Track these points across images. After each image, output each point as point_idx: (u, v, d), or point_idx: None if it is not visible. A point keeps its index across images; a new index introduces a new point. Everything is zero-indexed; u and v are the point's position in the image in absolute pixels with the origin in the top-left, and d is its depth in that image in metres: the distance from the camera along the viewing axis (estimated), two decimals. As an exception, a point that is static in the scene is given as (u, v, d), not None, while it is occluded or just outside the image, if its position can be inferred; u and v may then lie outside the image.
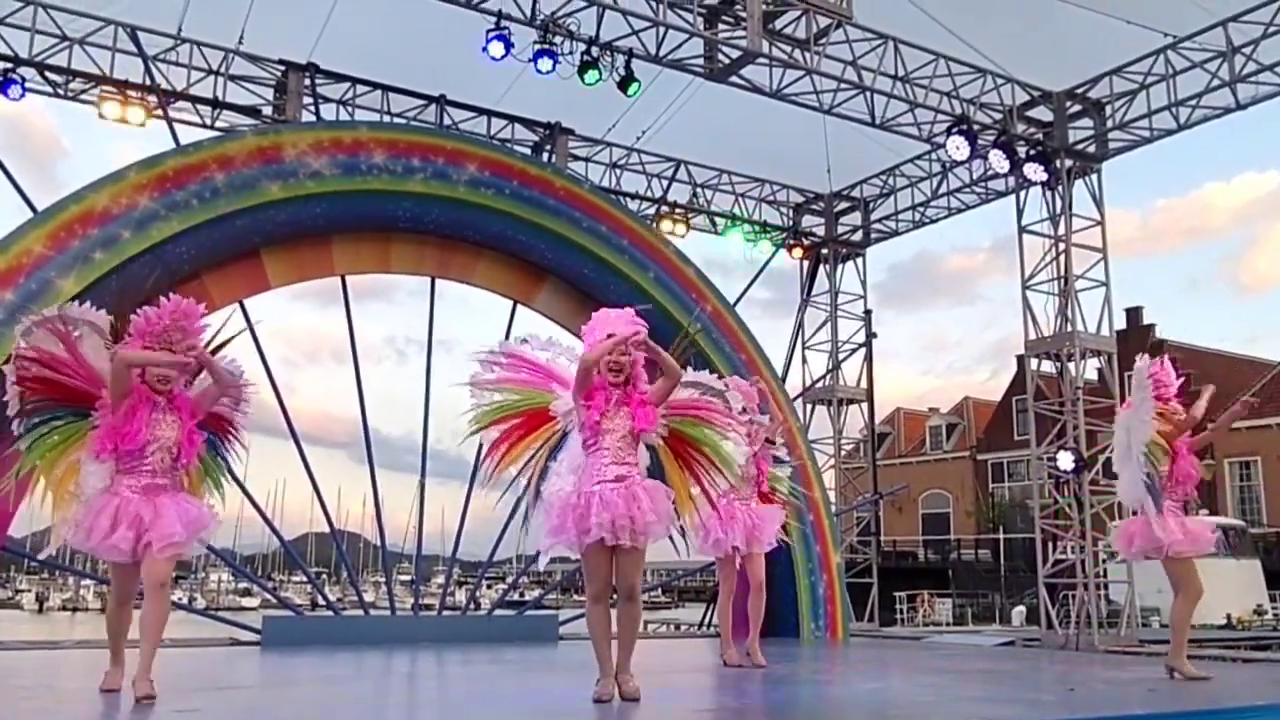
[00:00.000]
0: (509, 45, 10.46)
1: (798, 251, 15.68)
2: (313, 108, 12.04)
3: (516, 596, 23.55)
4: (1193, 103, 12.12)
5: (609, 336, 5.08)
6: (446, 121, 12.80)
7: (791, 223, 15.99)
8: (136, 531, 4.79)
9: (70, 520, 4.91)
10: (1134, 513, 6.74)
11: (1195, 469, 6.74)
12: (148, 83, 11.31)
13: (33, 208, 9.24)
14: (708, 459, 5.40)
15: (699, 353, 7.39)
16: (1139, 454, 6.54)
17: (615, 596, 5.17)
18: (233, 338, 5.62)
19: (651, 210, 14.33)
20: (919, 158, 14.85)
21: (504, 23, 10.43)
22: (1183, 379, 7.07)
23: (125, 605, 5.22)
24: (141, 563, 4.89)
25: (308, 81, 12.05)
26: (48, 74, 11.48)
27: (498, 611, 13.56)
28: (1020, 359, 17.23)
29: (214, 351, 5.37)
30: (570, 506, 4.94)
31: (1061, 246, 12.86)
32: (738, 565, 7.41)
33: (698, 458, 5.37)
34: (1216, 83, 11.72)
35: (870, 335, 16.34)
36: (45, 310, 5.23)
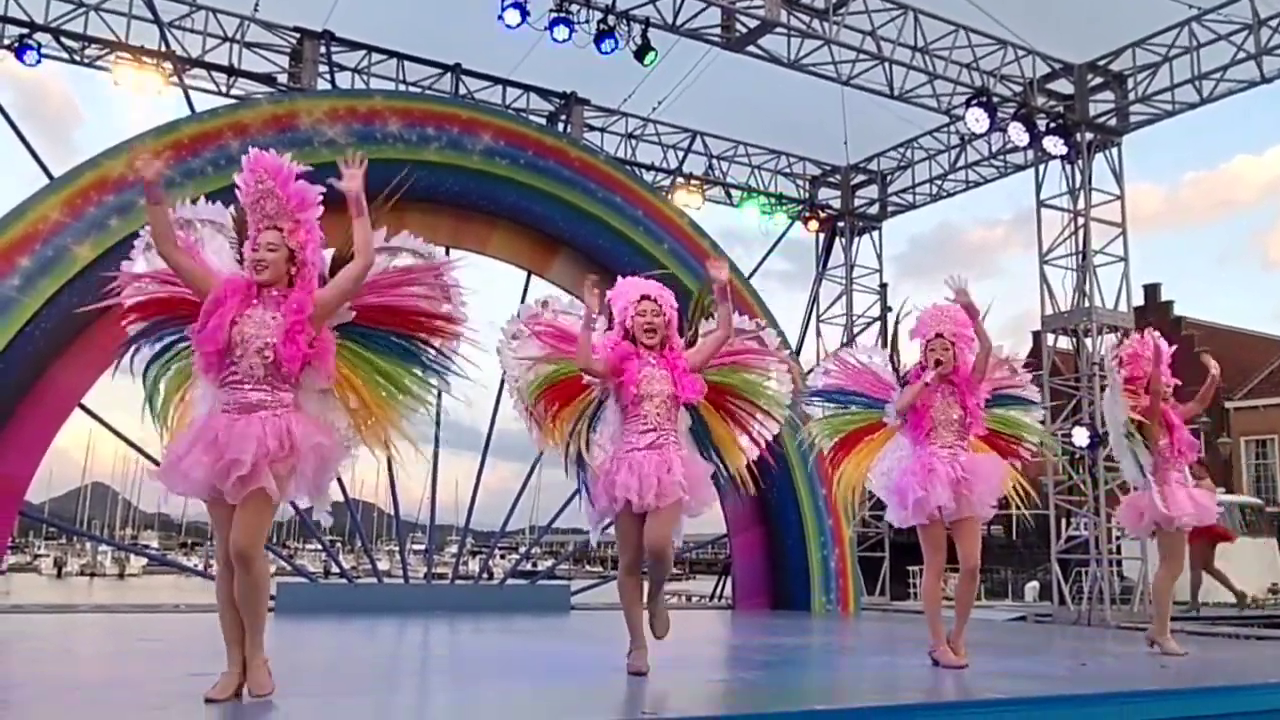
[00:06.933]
0: (525, 13, 10.38)
1: (814, 224, 15.59)
2: (328, 76, 12.00)
3: (529, 566, 23.71)
4: (1216, 75, 11.95)
5: (641, 298, 5.06)
6: (462, 91, 12.74)
7: (808, 195, 15.89)
8: (214, 457, 3.75)
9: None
10: (1134, 488, 6.75)
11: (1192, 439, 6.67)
12: (163, 49, 11.29)
13: (49, 174, 9.27)
14: (750, 403, 5.38)
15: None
16: (1120, 435, 6.63)
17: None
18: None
19: (667, 181, 14.26)
20: (937, 130, 14.69)
21: (520, -10, 10.34)
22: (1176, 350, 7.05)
23: (228, 572, 3.91)
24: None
25: (323, 49, 12.00)
26: (64, 39, 11.46)
27: (510, 581, 13.64)
28: (1036, 334, 17.13)
29: None
30: (604, 474, 4.93)
31: (1080, 221, 12.74)
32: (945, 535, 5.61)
33: (740, 404, 5.35)
34: (1241, 55, 11.54)
35: (885, 309, 16.25)
36: None
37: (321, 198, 4.11)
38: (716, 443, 5.28)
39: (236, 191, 4.12)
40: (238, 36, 11.96)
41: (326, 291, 4.04)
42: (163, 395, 4.17)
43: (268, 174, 4.01)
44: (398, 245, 4.34)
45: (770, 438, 5.46)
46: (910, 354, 5.98)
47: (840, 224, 16.04)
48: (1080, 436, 12.15)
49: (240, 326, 3.86)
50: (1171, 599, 6.74)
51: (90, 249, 8.17)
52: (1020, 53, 12.40)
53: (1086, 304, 12.60)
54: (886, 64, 11.79)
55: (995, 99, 11.98)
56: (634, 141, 14.45)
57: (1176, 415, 6.64)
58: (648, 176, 13.66)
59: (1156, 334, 6.84)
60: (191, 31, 11.75)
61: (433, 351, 4.30)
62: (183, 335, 4.10)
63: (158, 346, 4.15)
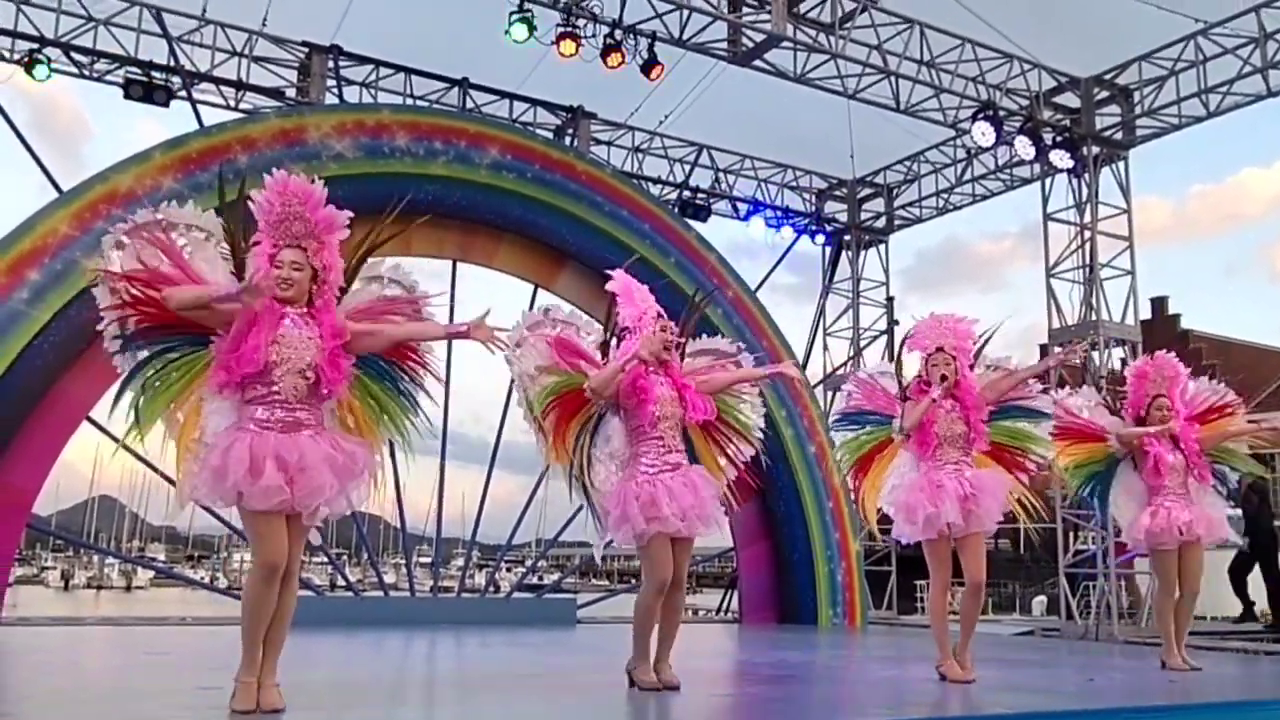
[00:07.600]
0: (532, 28, 10.43)
1: (820, 238, 15.60)
2: (336, 90, 12.05)
3: (535, 580, 23.66)
4: (1223, 89, 11.94)
5: (659, 317, 5.08)
6: (469, 105, 12.78)
7: (814, 209, 15.91)
8: (287, 473, 3.81)
9: (194, 471, 3.93)
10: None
11: (1186, 456, 6.55)
12: (172, 64, 11.36)
13: (58, 188, 9.31)
14: (729, 425, 5.40)
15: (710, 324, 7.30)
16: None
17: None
18: (382, 241, 4.50)
19: (673, 195, 14.29)
20: (944, 144, 14.71)
21: (527, 5, 10.39)
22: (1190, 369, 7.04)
23: (274, 582, 3.91)
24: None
25: (331, 64, 12.05)
26: (73, 54, 11.52)
27: (516, 594, 13.63)
28: (1043, 348, 17.11)
29: (365, 254, 4.41)
30: (633, 496, 4.83)
31: (1087, 234, 12.73)
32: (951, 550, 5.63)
33: (719, 425, 5.36)
34: (1248, 69, 11.54)
35: (892, 323, 16.25)
36: (140, 215, 4.21)
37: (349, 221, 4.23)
38: (700, 461, 5.24)
39: (252, 206, 4.18)
40: (246, 51, 12.02)
41: (362, 332, 4.18)
42: (149, 405, 4.09)
43: (298, 198, 4.13)
44: (388, 275, 4.51)
45: (746, 459, 5.45)
46: (911, 366, 5.97)
47: (846, 237, 16.05)
48: (1087, 450, 12.09)
49: (278, 346, 3.94)
50: (1168, 617, 6.67)
51: (98, 263, 8.20)
52: (1026, 66, 12.42)
53: (1093, 317, 12.58)
54: (892, 78, 11.81)
55: (1001, 112, 12.00)
56: (641, 155, 14.49)
57: (1181, 436, 6.59)
58: (655, 190, 13.68)
59: (1171, 355, 6.83)
60: (200, 46, 11.82)
61: (406, 379, 4.46)
62: (171, 345, 4.09)
63: (144, 353, 4.09)
